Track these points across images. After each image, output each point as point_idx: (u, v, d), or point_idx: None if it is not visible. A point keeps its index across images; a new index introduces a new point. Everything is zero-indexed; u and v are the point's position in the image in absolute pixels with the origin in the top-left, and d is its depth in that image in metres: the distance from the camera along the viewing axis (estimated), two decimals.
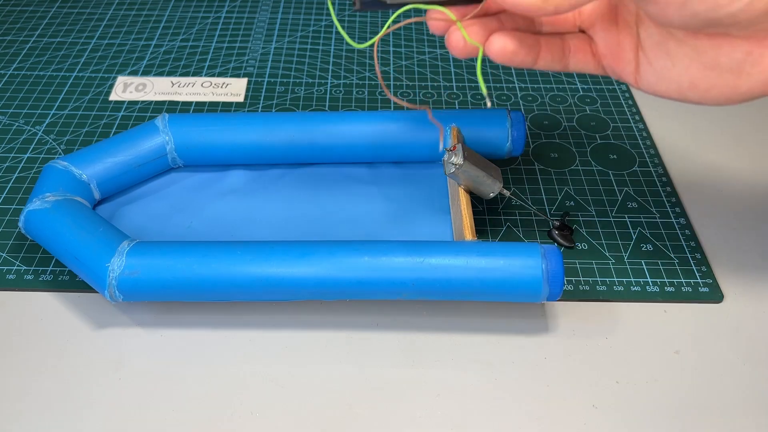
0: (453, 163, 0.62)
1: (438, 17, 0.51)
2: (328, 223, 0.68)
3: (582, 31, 0.57)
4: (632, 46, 0.53)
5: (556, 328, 0.61)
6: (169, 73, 0.90)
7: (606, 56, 0.55)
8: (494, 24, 0.53)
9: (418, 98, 0.85)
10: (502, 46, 0.51)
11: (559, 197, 0.73)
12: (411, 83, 0.88)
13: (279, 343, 0.60)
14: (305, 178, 0.72)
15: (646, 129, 0.82)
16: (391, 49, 0.95)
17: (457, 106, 0.84)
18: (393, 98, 0.54)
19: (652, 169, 0.76)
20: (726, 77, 0.48)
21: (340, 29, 0.59)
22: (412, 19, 0.52)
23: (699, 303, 0.64)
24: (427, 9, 0.50)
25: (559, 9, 0.46)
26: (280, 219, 0.68)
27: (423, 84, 0.88)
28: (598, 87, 0.89)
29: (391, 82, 0.89)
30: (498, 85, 0.88)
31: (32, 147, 0.78)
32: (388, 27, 0.51)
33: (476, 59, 0.64)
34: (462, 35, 0.51)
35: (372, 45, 0.54)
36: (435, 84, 0.88)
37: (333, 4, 1.06)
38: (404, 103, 0.51)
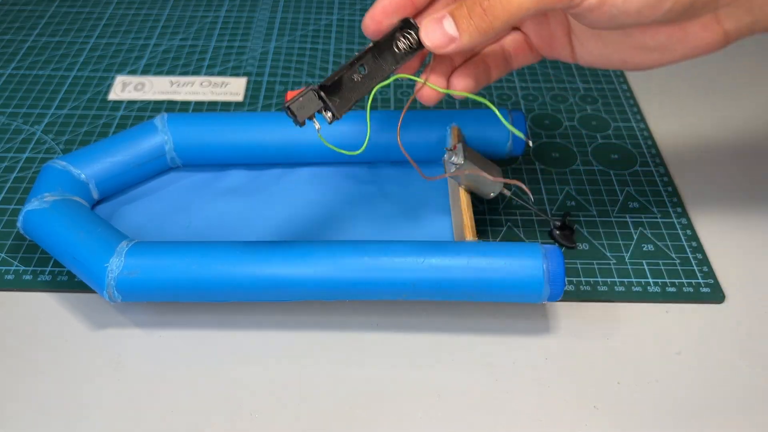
0: (453, 163, 0.62)
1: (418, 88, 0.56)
2: (327, 223, 0.68)
3: (515, 28, 0.61)
4: (564, 33, 0.58)
5: (557, 328, 0.61)
6: (168, 73, 0.90)
7: (542, 47, 0.60)
8: (447, 65, 0.57)
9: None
10: (465, 86, 0.57)
11: (560, 197, 0.73)
12: (411, 83, 0.88)
13: (279, 343, 0.60)
14: (305, 178, 0.72)
15: (647, 128, 0.82)
16: None
17: (457, 106, 0.84)
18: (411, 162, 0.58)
19: (653, 168, 0.76)
20: (653, 54, 0.54)
21: (328, 144, 0.58)
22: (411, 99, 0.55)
23: (700, 303, 0.64)
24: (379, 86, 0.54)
25: (472, 41, 0.50)
26: (279, 219, 0.68)
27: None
28: (599, 86, 0.89)
29: (391, 82, 0.88)
30: (498, 84, 0.88)
31: (31, 146, 0.78)
32: (369, 130, 0.57)
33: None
34: (430, 89, 0.56)
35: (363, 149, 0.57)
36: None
37: (333, 5, 1.06)
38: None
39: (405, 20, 0.53)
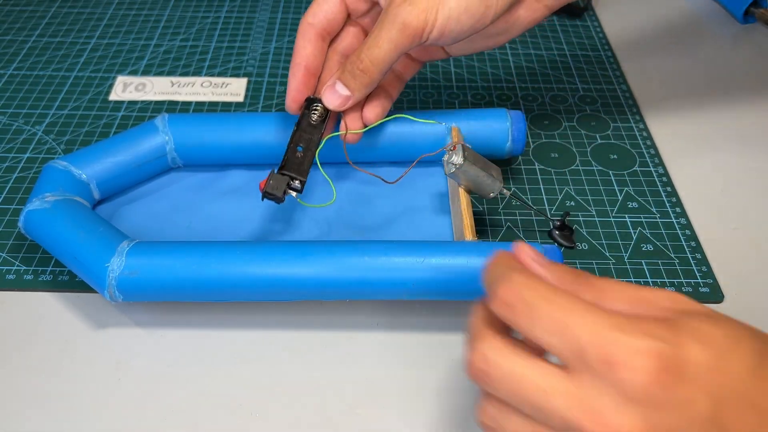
0: (453, 163, 0.62)
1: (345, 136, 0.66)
2: (327, 223, 0.68)
3: None
4: (438, 47, 0.69)
5: None
6: (169, 73, 0.90)
7: (422, 57, 0.70)
8: (356, 107, 0.67)
9: (418, 98, 0.85)
10: (376, 115, 0.67)
11: (560, 197, 0.73)
12: (411, 83, 0.88)
13: (279, 343, 0.60)
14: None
15: (646, 129, 0.82)
16: None
17: (457, 106, 0.84)
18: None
19: (652, 169, 0.76)
20: (501, 37, 0.65)
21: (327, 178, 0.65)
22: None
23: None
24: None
25: (363, 94, 0.63)
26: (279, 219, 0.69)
27: (423, 84, 0.88)
28: (598, 87, 0.89)
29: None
30: (498, 84, 0.88)
31: (32, 147, 0.78)
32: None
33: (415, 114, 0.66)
34: (353, 134, 0.66)
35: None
36: (435, 84, 0.88)
37: None
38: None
39: (308, 99, 0.66)
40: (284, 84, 0.88)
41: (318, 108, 0.65)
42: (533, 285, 0.39)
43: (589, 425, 0.35)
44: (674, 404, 0.35)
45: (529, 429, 0.39)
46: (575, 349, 0.37)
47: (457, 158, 0.62)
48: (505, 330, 0.42)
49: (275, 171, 0.61)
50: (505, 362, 0.39)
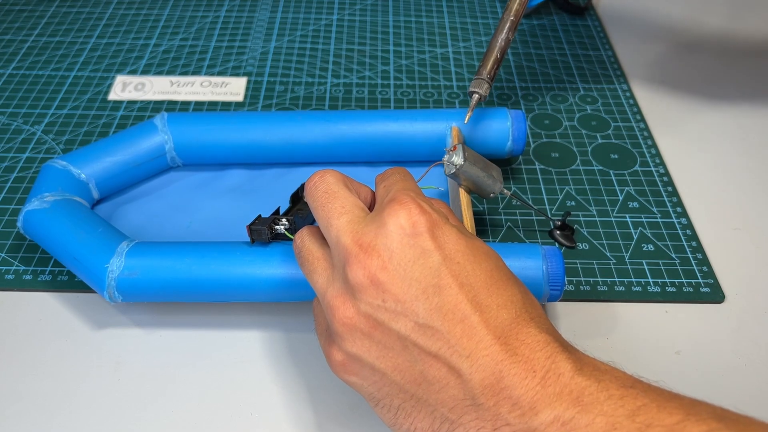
0: (453, 164, 0.62)
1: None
2: None
3: None
4: None
5: (557, 328, 0.61)
6: (168, 73, 0.90)
7: None
8: None
9: (418, 97, 0.85)
10: None
11: (560, 197, 0.73)
12: (411, 83, 0.88)
13: (279, 344, 0.60)
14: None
15: (647, 128, 0.82)
16: (392, 48, 0.95)
17: (457, 106, 0.84)
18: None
19: (653, 168, 0.76)
20: None
21: None
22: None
23: (700, 303, 0.64)
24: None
25: None
26: None
27: (423, 83, 0.88)
28: (599, 86, 0.89)
29: (391, 81, 0.89)
30: (498, 84, 0.88)
31: (31, 146, 0.78)
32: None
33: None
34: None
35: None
36: (435, 83, 0.88)
37: (333, 5, 1.06)
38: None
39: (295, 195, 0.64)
40: (284, 84, 0.88)
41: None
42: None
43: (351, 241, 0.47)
44: (417, 246, 0.45)
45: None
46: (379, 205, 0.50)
47: (458, 159, 0.62)
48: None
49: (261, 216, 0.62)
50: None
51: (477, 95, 0.67)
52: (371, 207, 0.54)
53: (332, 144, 0.71)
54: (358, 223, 0.48)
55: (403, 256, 0.45)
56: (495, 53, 0.69)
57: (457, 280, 0.44)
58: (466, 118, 0.67)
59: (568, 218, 0.69)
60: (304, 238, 0.53)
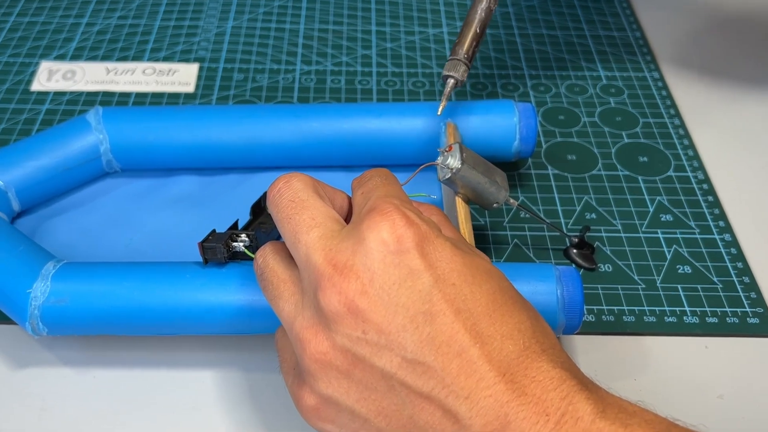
0: (449, 167, 0.62)
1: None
2: None
3: None
4: None
5: (572, 361, 0.61)
6: (104, 58, 0.90)
7: None
8: None
9: (406, 88, 0.86)
10: None
11: (578, 208, 0.73)
12: (398, 70, 0.89)
13: (238, 385, 0.60)
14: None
15: (683, 126, 0.82)
16: (374, 28, 0.96)
17: (453, 98, 0.84)
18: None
19: (690, 174, 0.77)
20: None
21: None
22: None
23: (747, 337, 0.64)
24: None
25: None
26: None
27: (412, 71, 0.88)
28: (624, 74, 0.89)
29: (373, 68, 0.89)
30: (503, 71, 0.89)
31: None
32: None
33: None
34: None
35: None
36: (427, 71, 0.88)
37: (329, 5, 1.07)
38: None
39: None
40: (244, 71, 0.88)
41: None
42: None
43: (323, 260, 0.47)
44: (404, 265, 0.45)
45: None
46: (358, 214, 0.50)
47: (454, 161, 0.62)
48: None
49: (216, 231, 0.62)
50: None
51: (452, 80, 0.68)
52: (348, 218, 0.54)
53: (302, 144, 0.71)
54: (331, 238, 0.47)
55: (387, 277, 0.45)
56: (474, 27, 0.69)
57: (452, 305, 0.44)
58: (440, 109, 0.67)
59: (588, 234, 0.69)
60: (267, 256, 0.53)
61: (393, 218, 0.46)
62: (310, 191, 0.51)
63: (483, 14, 0.69)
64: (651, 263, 0.69)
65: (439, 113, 0.68)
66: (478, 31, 0.68)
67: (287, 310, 0.49)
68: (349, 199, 0.55)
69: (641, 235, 0.71)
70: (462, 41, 0.68)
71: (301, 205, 0.50)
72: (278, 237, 0.60)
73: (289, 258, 0.52)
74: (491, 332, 0.44)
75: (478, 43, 0.69)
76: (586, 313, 0.65)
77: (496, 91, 0.85)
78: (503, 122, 0.71)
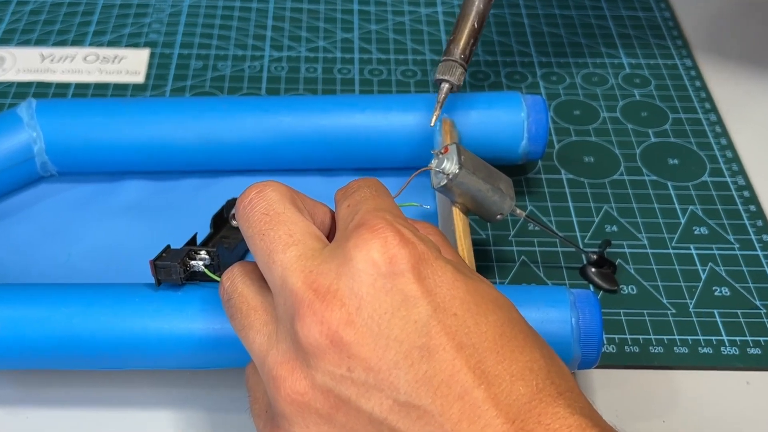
0: (444, 172, 0.62)
1: None
2: None
3: None
4: None
5: (594, 405, 0.62)
6: (39, 42, 0.90)
7: None
8: None
9: (394, 78, 0.86)
10: None
11: (597, 219, 0.73)
12: (384, 56, 0.89)
13: (199, 428, 0.60)
14: (232, 192, 0.72)
15: (720, 121, 0.82)
16: (356, 7, 0.96)
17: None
18: None
19: (728, 179, 0.77)
20: None
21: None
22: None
23: None
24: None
25: None
26: None
27: (401, 58, 0.89)
28: (651, 62, 0.89)
29: (356, 55, 0.89)
30: (508, 58, 0.89)
31: None
32: None
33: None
34: None
35: None
36: (419, 57, 0.89)
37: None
38: None
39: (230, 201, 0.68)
40: (203, 58, 0.88)
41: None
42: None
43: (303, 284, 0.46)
44: (397, 291, 0.44)
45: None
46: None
47: (450, 165, 0.62)
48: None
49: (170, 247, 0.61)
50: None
51: (447, 84, 0.67)
52: (331, 235, 0.54)
53: (271, 144, 0.71)
54: (312, 258, 0.47)
55: (377, 305, 0.44)
56: (470, 21, 0.68)
57: (453, 339, 0.44)
58: (433, 119, 0.67)
59: (608, 250, 0.69)
60: (235, 278, 0.52)
61: (385, 235, 0.45)
62: (287, 203, 0.51)
63: (481, 5, 0.68)
64: (682, 284, 0.69)
65: (432, 124, 0.67)
66: (475, 25, 0.68)
67: (259, 342, 0.48)
68: (332, 213, 0.55)
69: (671, 251, 0.71)
70: (457, 38, 0.68)
71: (276, 219, 0.50)
72: (244, 254, 0.61)
73: (261, 281, 0.51)
74: (499, 371, 0.43)
75: (476, 39, 0.68)
76: (605, 343, 0.65)
77: (500, 82, 0.86)
78: (508, 118, 0.71)
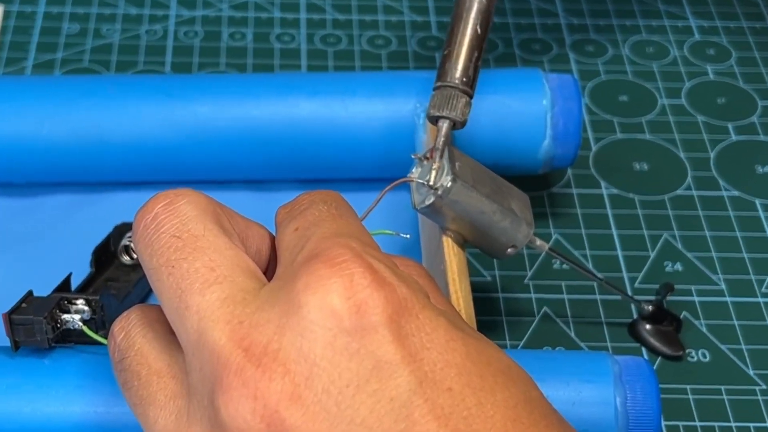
0: (431, 186, 0.61)
1: None
2: None
3: None
4: None
5: None
6: None
7: None
8: None
9: (357, 48, 0.86)
10: None
11: (653, 254, 0.73)
12: (343, 17, 0.89)
13: None
14: (122, 213, 0.72)
15: None
16: None
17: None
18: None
19: None
20: None
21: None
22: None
23: None
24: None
25: None
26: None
27: (369, 19, 0.89)
28: (732, 25, 0.89)
29: (302, 15, 0.89)
30: (525, 20, 0.89)
31: None
32: None
33: None
34: None
35: None
36: (394, 18, 0.89)
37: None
38: None
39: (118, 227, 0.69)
40: (80, 19, 0.89)
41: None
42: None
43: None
44: (366, 354, 0.43)
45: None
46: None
47: (440, 176, 0.61)
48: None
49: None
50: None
51: (447, 123, 0.64)
52: (270, 270, 0.54)
53: (180, 145, 0.71)
54: (243, 303, 0.45)
55: (337, 374, 0.42)
56: (471, 26, 0.66)
57: (447, 425, 0.42)
58: (432, 177, 0.62)
59: (669, 298, 0.69)
60: (131, 329, 0.51)
61: (350, 272, 0.43)
62: (209, 222, 0.49)
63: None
64: None
65: (415, 207, 0.64)
66: (478, 31, 0.66)
67: (162, 423, 0.47)
68: (272, 238, 0.54)
69: (760, 299, 0.71)
70: (455, 53, 0.65)
71: (192, 245, 0.48)
72: (147, 297, 0.62)
73: (168, 334, 0.50)
74: None
75: (480, 51, 0.65)
76: (665, 431, 0.65)
77: (512, 53, 0.86)
78: (524, 108, 0.71)
